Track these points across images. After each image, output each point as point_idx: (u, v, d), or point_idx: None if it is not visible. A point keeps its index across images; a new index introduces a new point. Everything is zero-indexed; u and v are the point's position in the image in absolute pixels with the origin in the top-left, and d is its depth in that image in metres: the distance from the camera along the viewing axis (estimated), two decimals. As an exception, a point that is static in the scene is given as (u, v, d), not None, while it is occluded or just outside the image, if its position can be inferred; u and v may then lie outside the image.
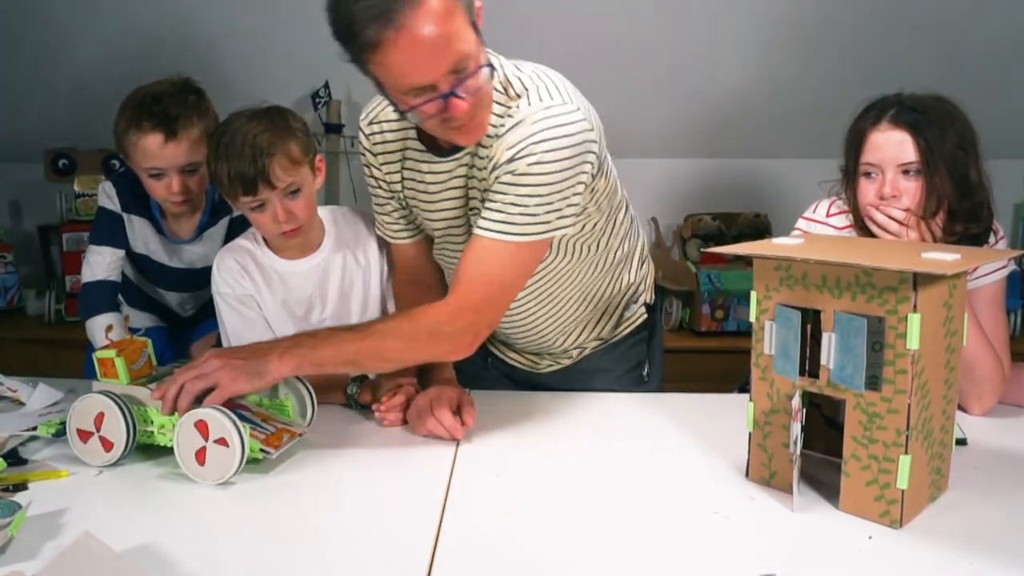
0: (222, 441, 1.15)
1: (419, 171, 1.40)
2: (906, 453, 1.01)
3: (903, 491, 1.02)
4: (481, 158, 1.31)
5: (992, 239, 1.47)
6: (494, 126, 1.29)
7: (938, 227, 1.42)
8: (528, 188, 1.24)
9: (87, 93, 2.69)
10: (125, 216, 1.72)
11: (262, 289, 1.53)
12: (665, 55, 2.68)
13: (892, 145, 1.41)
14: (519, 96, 1.28)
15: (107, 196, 1.72)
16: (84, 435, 1.23)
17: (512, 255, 1.28)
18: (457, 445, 1.32)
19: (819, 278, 1.06)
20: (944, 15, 2.52)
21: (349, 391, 1.47)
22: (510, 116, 1.27)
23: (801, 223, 1.59)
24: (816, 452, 1.21)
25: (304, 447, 1.29)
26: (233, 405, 1.22)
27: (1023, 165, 2.68)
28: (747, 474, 1.19)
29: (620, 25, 2.58)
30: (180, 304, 1.86)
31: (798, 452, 1.08)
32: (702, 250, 2.82)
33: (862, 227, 1.48)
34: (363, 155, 1.49)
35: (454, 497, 1.14)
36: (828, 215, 1.57)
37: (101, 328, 1.64)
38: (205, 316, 1.84)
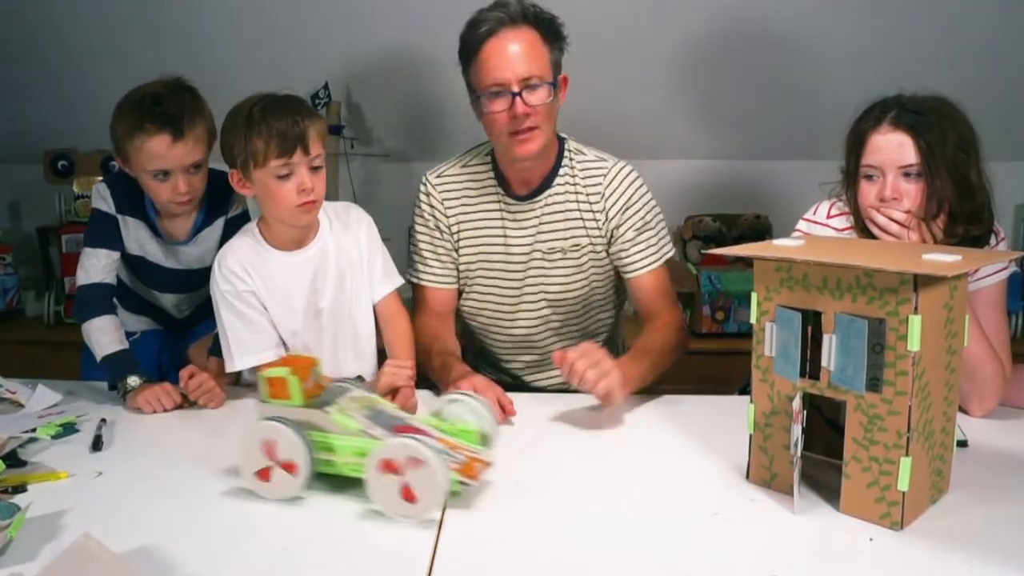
0: (409, 495, 1.05)
1: (487, 217, 1.71)
2: (907, 455, 1.01)
3: (904, 493, 1.02)
4: (551, 205, 1.68)
5: (993, 240, 1.47)
6: (585, 174, 1.68)
7: (939, 229, 1.42)
8: (651, 213, 1.68)
9: (86, 94, 2.68)
10: (120, 218, 1.68)
11: (264, 283, 1.53)
12: (666, 57, 2.68)
13: (893, 147, 1.41)
14: (599, 156, 1.70)
15: (101, 198, 1.68)
16: (264, 473, 1.12)
17: (668, 274, 1.72)
18: (457, 446, 1.32)
19: (820, 280, 1.06)
20: (944, 16, 2.52)
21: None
22: (601, 164, 1.68)
23: (802, 224, 1.59)
24: (817, 454, 1.21)
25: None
26: (414, 430, 1.13)
27: (1024, 167, 2.68)
28: (748, 476, 1.18)
29: (621, 27, 2.58)
30: (176, 306, 1.85)
31: (799, 454, 1.08)
32: (703, 251, 2.82)
33: (862, 229, 1.48)
34: (422, 206, 1.73)
35: (454, 497, 1.13)
36: (828, 216, 1.57)
37: (98, 331, 1.61)
38: (201, 318, 1.83)
